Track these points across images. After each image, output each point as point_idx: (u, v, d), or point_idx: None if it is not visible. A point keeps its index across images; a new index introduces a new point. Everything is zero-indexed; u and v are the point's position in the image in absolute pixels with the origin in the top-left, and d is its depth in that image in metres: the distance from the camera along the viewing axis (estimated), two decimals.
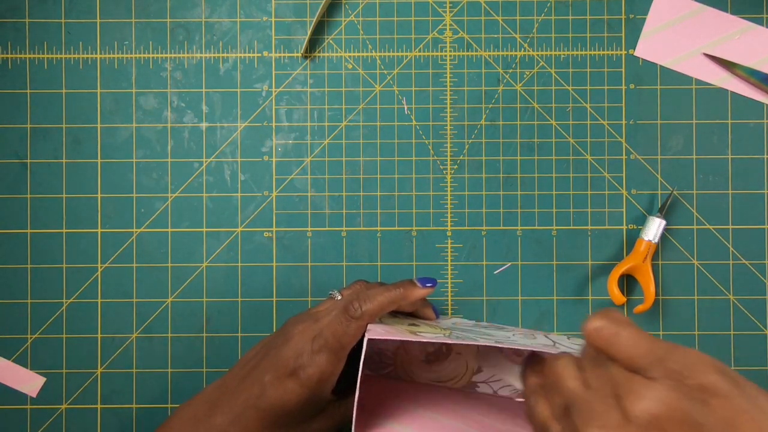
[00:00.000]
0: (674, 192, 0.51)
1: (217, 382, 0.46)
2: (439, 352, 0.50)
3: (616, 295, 0.50)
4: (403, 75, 0.53)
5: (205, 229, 0.52)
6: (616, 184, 0.52)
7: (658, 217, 0.50)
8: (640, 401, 0.28)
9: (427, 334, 0.42)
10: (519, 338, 0.45)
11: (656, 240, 0.50)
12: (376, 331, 0.41)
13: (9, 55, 0.52)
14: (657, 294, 0.51)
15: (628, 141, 0.52)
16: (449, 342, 0.41)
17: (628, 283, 0.52)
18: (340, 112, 0.52)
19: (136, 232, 0.52)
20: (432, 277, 0.50)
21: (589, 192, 0.52)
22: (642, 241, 0.50)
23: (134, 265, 0.52)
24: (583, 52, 0.52)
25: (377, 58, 0.53)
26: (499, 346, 0.41)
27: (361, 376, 0.41)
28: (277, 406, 0.43)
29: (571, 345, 0.44)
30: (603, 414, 0.29)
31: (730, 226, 0.52)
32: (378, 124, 0.52)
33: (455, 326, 0.48)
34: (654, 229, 0.50)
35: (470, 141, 0.52)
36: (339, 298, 0.46)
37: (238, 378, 0.46)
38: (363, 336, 0.42)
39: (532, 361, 0.38)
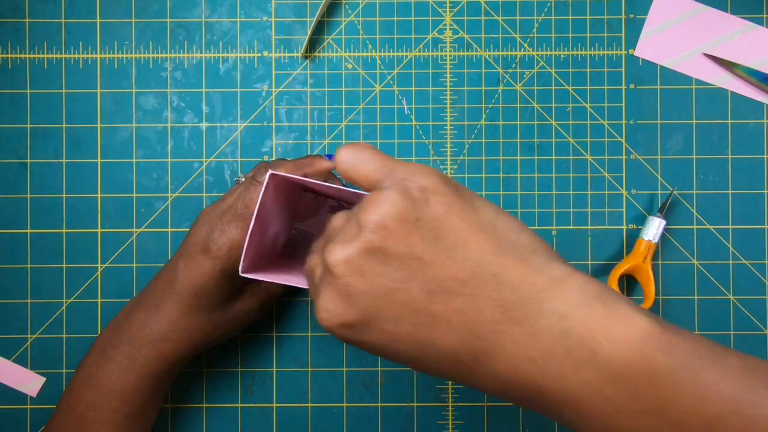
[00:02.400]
0: (674, 192, 0.51)
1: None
2: None
3: None
4: (403, 75, 0.53)
5: None
6: (616, 184, 0.52)
7: (658, 217, 0.50)
8: (369, 208, 0.30)
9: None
10: None
11: (656, 240, 0.50)
12: (280, 173, 0.41)
13: (9, 55, 0.52)
14: (657, 294, 0.51)
15: (628, 141, 0.52)
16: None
17: (628, 283, 0.52)
18: (340, 112, 0.52)
19: (136, 232, 0.52)
20: None
21: (589, 192, 0.52)
22: (642, 241, 0.50)
23: (134, 265, 0.52)
24: (583, 52, 0.52)
25: (377, 58, 0.53)
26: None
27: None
28: (192, 286, 0.44)
29: None
30: (344, 231, 0.31)
31: (730, 226, 0.52)
32: (378, 124, 0.52)
33: None
34: (654, 229, 0.50)
35: (470, 141, 0.52)
36: (244, 180, 0.46)
37: (155, 276, 0.46)
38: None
39: None
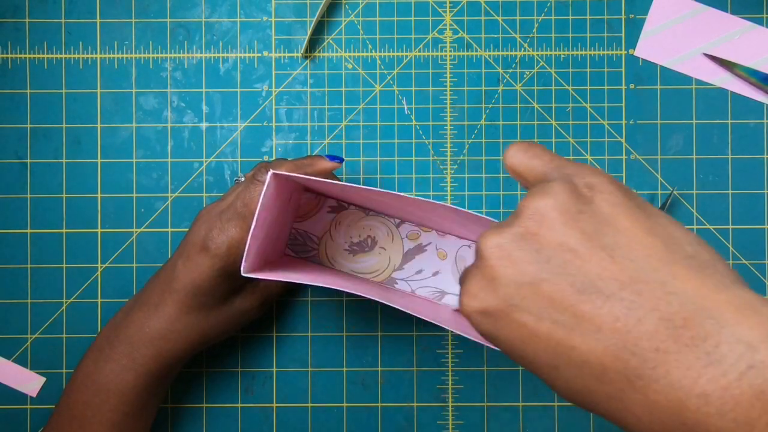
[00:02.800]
0: (674, 192, 0.51)
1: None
2: (364, 244, 0.51)
3: None
4: (403, 75, 0.53)
5: None
6: None
7: None
8: (531, 197, 0.28)
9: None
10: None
11: None
12: (281, 173, 0.41)
13: (9, 55, 0.52)
14: None
15: (628, 141, 0.52)
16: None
17: None
18: (340, 112, 0.52)
19: (136, 232, 0.52)
20: (340, 156, 0.52)
21: None
22: None
23: (134, 265, 0.52)
24: (583, 52, 0.52)
25: (377, 58, 0.53)
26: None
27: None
28: (190, 284, 0.43)
29: None
30: (504, 221, 0.29)
31: (730, 226, 0.52)
32: (378, 124, 0.52)
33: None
34: None
35: (470, 141, 0.52)
36: (244, 179, 0.46)
37: (154, 275, 0.46)
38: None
39: None
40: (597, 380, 0.25)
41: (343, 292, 0.46)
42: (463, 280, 0.30)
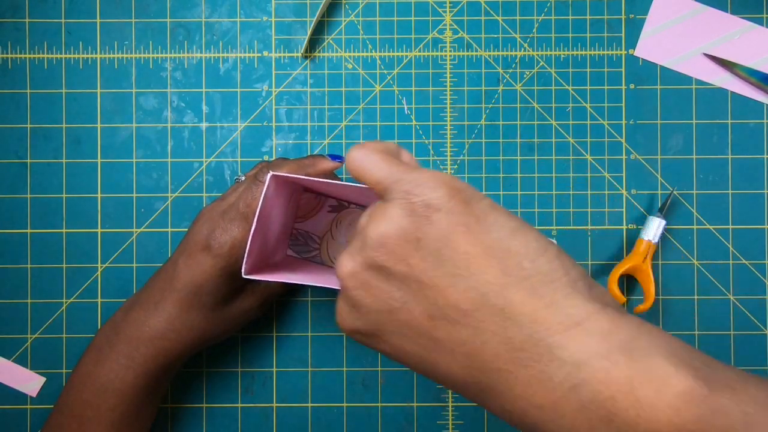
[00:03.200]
0: (674, 192, 0.51)
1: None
2: None
3: (617, 294, 0.50)
4: (403, 75, 0.53)
5: None
6: (616, 184, 0.52)
7: (658, 217, 0.50)
8: (372, 223, 0.29)
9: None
10: None
11: (656, 240, 0.50)
12: (281, 173, 0.41)
13: (9, 55, 0.52)
14: (657, 294, 0.51)
15: (628, 141, 0.52)
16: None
17: (628, 283, 0.52)
18: (340, 112, 0.52)
19: (136, 232, 0.52)
20: (341, 155, 0.51)
21: (589, 192, 0.52)
22: (642, 241, 0.50)
23: (134, 265, 0.52)
24: (583, 52, 0.52)
25: (377, 58, 0.53)
26: None
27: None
28: (191, 284, 0.43)
29: None
30: (353, 241, 0.30)
31: (730, 226, 0.52)
32: (378, 124, 0.52)
33: None
34: (654, 229, 0.50)
35: (470, 141, 0.52)
36: (244, 179, 0.46)
37: (154, 275, 0.46)
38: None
39: None
40: (462, 389, 0.29)
41: None
42: (337, 300, 0.32)
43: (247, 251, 0.39)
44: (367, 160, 0.31)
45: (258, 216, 0.39)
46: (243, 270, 0.39)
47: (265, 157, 0.52)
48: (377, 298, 0.29)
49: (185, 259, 0.44)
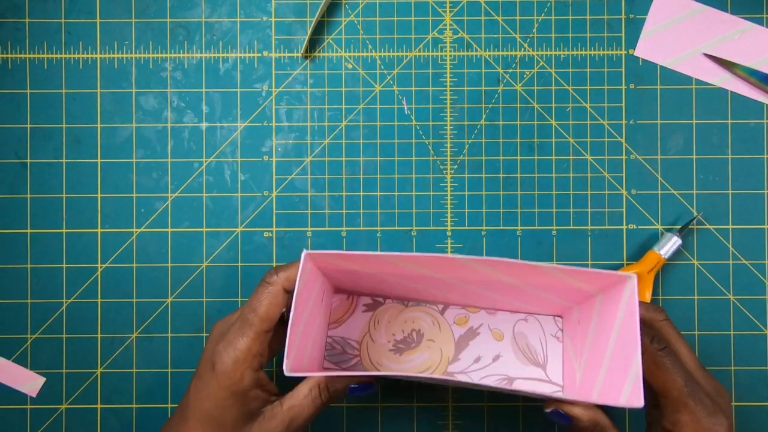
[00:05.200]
0: (698, 216, 0.51)
1: None
2: (409, 339, 0.47)
3: None
4: (403, 75, 0.53)
5: (205, 229, 0.52)
6: (616, 184, 0.52)
7: (676, 235, 0.50)
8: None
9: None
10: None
11: (668, 256, 0.50)
12: (313, 253, 0.37)
13: (9, 55, 0.52)
14: (657, 294, 0.51)
15: (628, 141, 0.52)
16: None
17: None
18: (340, 112, 0.52)
19: (136, 232, 0.52)
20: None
21: (589, 192, 0.52)
22: (654, 253, 0.50)
23: (134, 265, 0.52)
24: (583, 52, 0.52)
25: (377, 58, 0.53)
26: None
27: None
28: (199, 411, 0.38)
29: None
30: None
31: (730, 226, 0.52)
32: (378, 124, 0.52)
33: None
34: (669, 245, 0.50)
35: (470, 141, 0.52)
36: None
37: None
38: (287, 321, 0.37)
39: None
40: None
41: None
42: None
43: (287, 345, 0.34)
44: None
45: (296, 301, 0.35)
46: (285, 367, 0.34)
47: (265, 157, 0.52)
48: None
49: (195, 381, 0.40)
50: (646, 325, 0.42)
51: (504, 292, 0.43)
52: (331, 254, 0.38)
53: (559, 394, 0.44)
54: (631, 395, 0.36)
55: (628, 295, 0.38)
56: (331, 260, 0.39)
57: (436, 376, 0.37)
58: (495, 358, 0.47)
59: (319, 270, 0.41)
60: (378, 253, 0.38)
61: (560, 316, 0.48)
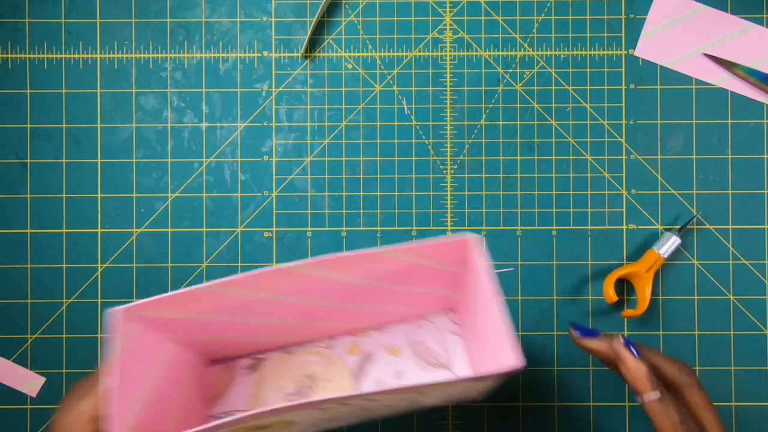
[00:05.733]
0: (697, 215, 0.51)
1: None
2: (303, 388, 0.42)
3: (610, 295, 0.50)
4: (403, 75, 0.53)
5: (205, 229, 0.52)
6: (616, 184, 0.52)
7: (675, 235, 0.50)
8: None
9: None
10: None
11: (666, 255, 0.50)
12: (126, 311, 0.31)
13: (9, 55, 0.52)
14: (657, 294, 0.51)
15: (628, 141, 0.52)
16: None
17: (628, 285, 0.52)
18: (340, 112, 0.52)
19: (136, 232, 0.52)
20: None
21: (589, 192, 0.52)
22: (653, 252, 0.50)
23: (134, 265, 0.52)
24: (583, 52, 0.52)
25: (377, 58, 0.53)
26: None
27: None
28: None
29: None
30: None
31: (730, 226, 0.52)
32: (378, 124, 0.52)
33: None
34: (668, 245, 0.50)
35: (470, 141, 0.52)
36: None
37: None
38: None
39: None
40: None
41: None
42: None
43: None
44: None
45: (118, 381, 0.30)
46: None
47: (265, 157, 0.52)
48: None
49: None
50: (674, 389, 0.41)
51: (378, 300, 0.40)
52: (142, 304, 0.32)
53: (448, 376, 0.41)
54: (507, 357, 0.33)
55: (475, 256, 0.35)
56: (149, 312, 0.34)
57: (303, 401, 0.32)
58: (397, 375, 0.43)
59: (157, 335, 0.35)
60: (195, 287, 0.33)
61: (453, 310, 0.45)
